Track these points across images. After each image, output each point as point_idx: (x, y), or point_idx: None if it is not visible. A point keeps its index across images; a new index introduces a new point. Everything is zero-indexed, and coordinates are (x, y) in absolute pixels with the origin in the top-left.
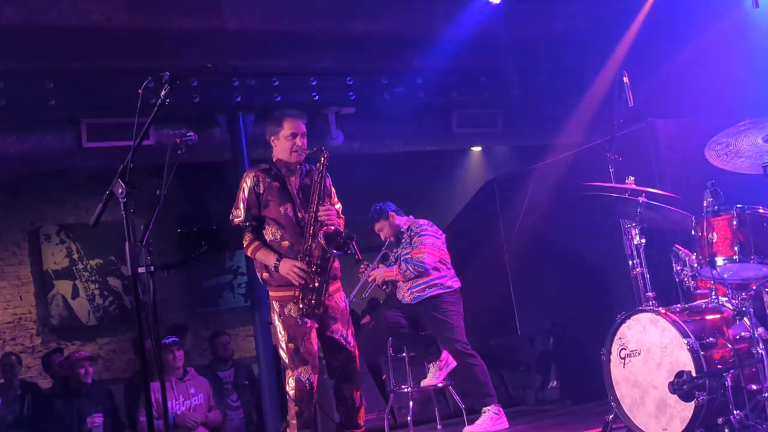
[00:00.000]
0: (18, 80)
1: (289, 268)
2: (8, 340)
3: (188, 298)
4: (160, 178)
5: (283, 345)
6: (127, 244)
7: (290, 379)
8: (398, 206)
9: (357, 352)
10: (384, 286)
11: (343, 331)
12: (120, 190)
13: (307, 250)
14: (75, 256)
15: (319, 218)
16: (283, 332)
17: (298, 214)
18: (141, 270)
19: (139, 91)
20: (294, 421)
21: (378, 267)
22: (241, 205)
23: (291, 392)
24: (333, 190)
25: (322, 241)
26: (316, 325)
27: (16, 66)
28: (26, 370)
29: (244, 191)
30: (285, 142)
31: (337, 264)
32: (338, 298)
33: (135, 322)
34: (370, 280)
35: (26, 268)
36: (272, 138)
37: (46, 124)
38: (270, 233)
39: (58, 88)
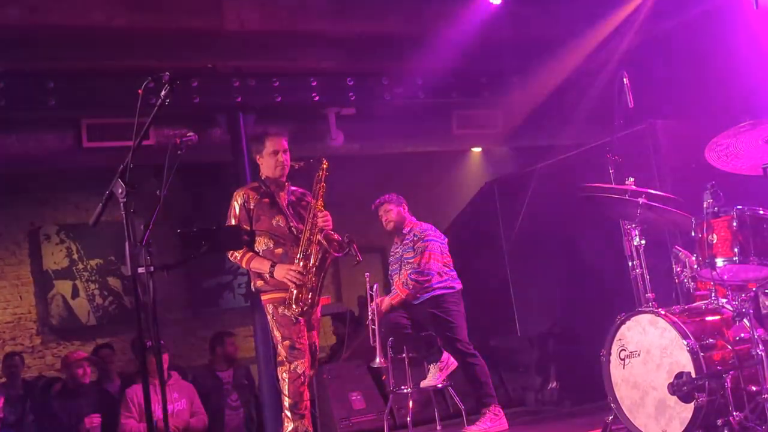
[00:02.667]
0: (18, 80)
1: (284, 272)
2: (8, 340)
3: (188, 298)
4: (160, 178)
5: (280, 344)
6: (127, 244)
7: (284, 373)
8: None
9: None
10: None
11: (315, 339)
12: (120, 190)
13: (305, 252)
14: (75, 256)
15: (317, 224)
16: (278, 332)
17: (291, 224)
18: (141, 270)
19: (139, 91)
20: (289, 414)
21: (379, 298)
22: (233, 221)
23: (286, 386)
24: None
25: (324, 243)
26: (305, 326)
27: (17, 66)
28: (26, 369)
29: (234, 208)
30: (269, 159)
31: (335, 240)
32: (318, 309)
33: (135, 322)
34: (378, 311)
35: (26, 268)
36: (257, 157)
37: (47, 124)
38: (263, 243)
39: (59, 88)
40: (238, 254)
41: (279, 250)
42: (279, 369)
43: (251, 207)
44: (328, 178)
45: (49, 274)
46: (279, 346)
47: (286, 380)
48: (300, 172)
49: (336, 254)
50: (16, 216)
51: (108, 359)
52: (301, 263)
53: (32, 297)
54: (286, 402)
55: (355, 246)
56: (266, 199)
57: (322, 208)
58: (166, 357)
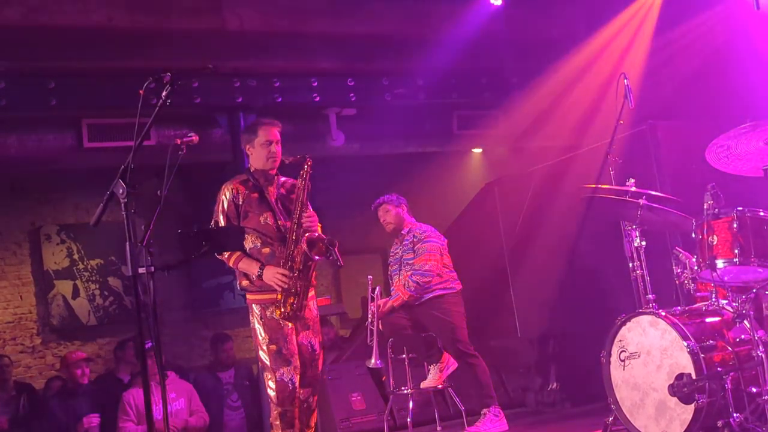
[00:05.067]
0: (19, 80)
1: (272, 274)
2: (8, 340)
3: (188, 298)
4: (160, 178)
5: (264, 347)
6: (127, 244)
7: (271, 381)
8: None
9: (321, 359)
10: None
11: (312, 339)
12: (121, 191)
13: (290, 255)
14: (75, 256)
15: (302, 224)
16: (264, 334)
17: (279, 222)
18: (141, 270)
19: (140, 91)
20: (277, 422)
21: (381, 300)
22: (221, 218)
23: (273, 394)
24: (308, 201)
25: (305, 247)
26: (293, 329)
27: (17, 66)
28: (26, 369)
29: (222, 204)
30: (260, 149)
31: (318, 239)
32: (312, 305)
33: (135, 322)
34: (381, 312)
35: (27, 268)
36: (248, 147)
37: (47, 124)
38: (250, 242)
39: (59, 88)
40: (226, 254)
41: (266, 250)
42: (264, 374)
43: (240, 202)
44: (312, 176)
45: (50, 274)
46: (262, 351)
47: (274, 389)
48: (290, 166)
49: (317, 258)
50: (16, 216)
51: (125, 356)
52: (289, 265)
53: (33, 297)
54: (275, 411)
55: (336, 249)
56: (255, 194)
57: (308, 209)
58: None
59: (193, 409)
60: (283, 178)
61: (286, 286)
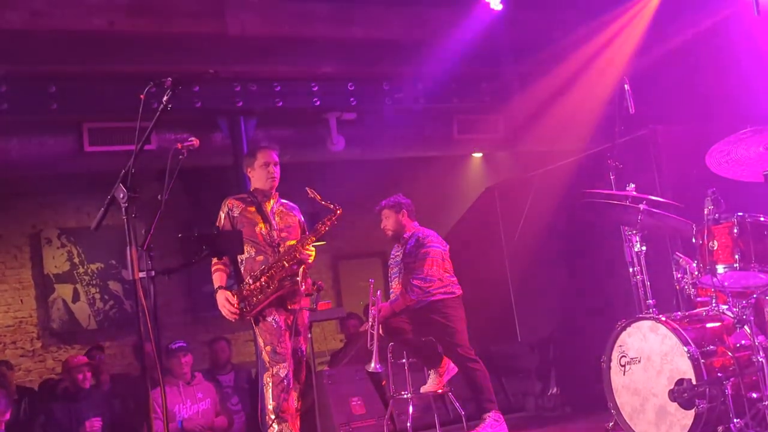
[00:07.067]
0: (20, 84)
1: (222, 301)
2: (9, 344)
3: (189, 302)
4: (161, 182)
5: (264, 348)
6: (128, 248)
7: (268, 377)
8: None
9: (305, 364)
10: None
11: (302, 345)
12: (122, 195)
13: (277, 265)
14: (76, 260)
15: (303, 252)
16: (260, 338)
17: (273, 233)
18: (142, 274)
19: (141, 95)
20: (272, 416)
21: (381, 304)
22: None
23: (268, 388)
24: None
25: (298, 279)
26: (288, 332)
27: (19, 69)
28: (26, 373)
29: (220, 218)
30: (260, 171)
31: (309, 280)
32: (305, 314)
33: (135, 326)
34: (381, 316)
35: (27, 272)
36: (249, 170)
37: (48, 127)
38: (245, 251)
39: (60, 92)
40: (213, 260)
41: (260, 257)
42: (264, 374)
43: (235, 215)
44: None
45: (50, 277)
46: (264, 352)
47: (270, 384)
48: (312, 201)
49: (301, 291)
50: (17, 219)
51: (99, 363)
52: (269, 272)
53: (33, 301)
54: (270, 405)
55: (319, 294)
56: (252, 207)
57: (313, 246)
58: (190, 358)
59: (219, 410)
60: (283, 200)
61: (230, 318)
